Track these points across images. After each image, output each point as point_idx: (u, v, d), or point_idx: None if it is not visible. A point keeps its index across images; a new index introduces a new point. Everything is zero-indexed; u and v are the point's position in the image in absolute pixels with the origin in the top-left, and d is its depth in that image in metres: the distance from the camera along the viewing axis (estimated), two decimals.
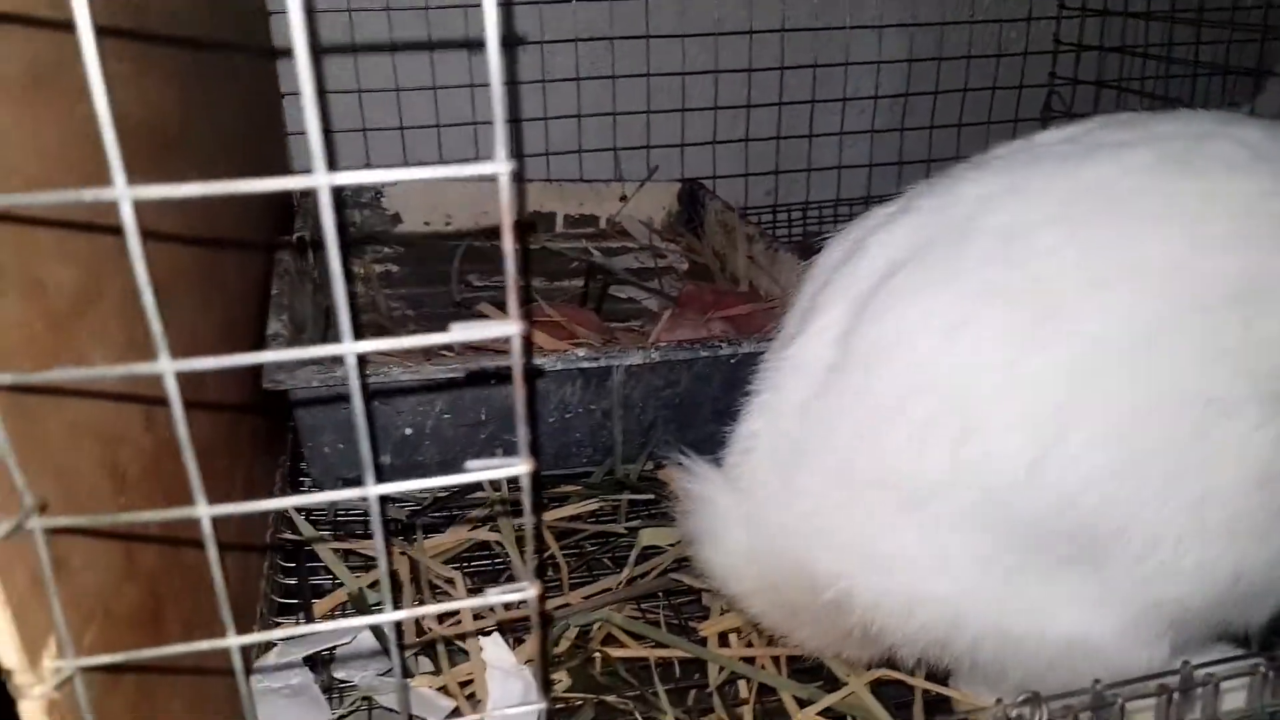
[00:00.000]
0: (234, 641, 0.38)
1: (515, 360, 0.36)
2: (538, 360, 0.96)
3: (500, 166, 0.32)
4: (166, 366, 0.35)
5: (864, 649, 0.73)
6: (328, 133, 1.57)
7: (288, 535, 0.88)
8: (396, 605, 0.81)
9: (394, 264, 1.50)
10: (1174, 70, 1.74)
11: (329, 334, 1.28)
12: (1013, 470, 0.60)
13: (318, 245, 1.32)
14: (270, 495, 0.96)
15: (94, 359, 0.47)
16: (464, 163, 0.35)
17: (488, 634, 0.75)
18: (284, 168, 1.53)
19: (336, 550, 0.89)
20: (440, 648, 0.75)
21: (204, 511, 0.37)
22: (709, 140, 1.76)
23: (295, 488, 1.00)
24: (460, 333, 0.34)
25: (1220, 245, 0.60)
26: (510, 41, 1.57)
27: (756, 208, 1.84)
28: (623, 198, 1.68)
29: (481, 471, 0.37)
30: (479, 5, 1.49)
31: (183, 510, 0.36)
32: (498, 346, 1.13)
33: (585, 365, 0.98)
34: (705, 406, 1.05)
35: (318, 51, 1.53)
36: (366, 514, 0.95)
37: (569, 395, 1.00)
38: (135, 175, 0.59)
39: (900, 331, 0.63)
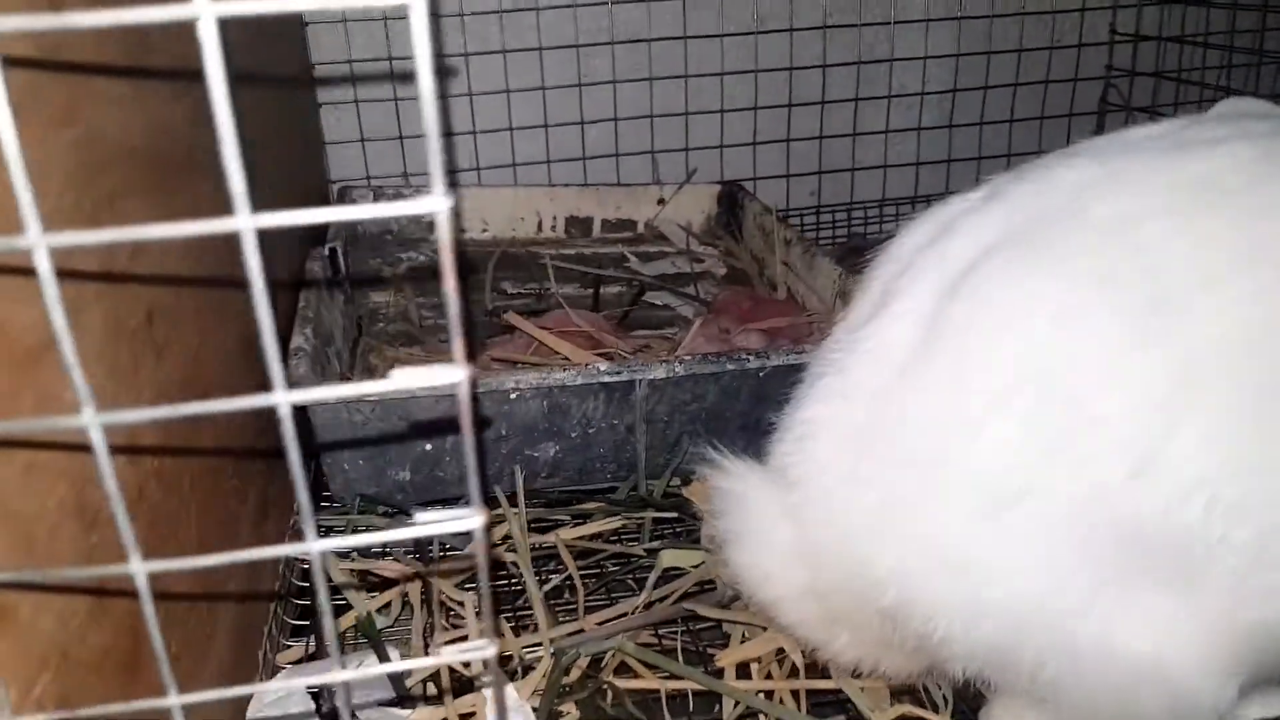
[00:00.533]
0: (173, 701, 0.36)
1: (462, 405, 0.34)
2: (559, 375, 0.94)
3: (438, 204, 0.29)
4: (90, 419, 0.33)
5: (909, 660, 0.69)
6: (365, 141, 1.57)
7: (299, 557, 0.87)
8: (405, 629, 0.80)
9: (429, 271, 1.49)
10: (1236, 60, 1.66)
11: (360, 344, 1.28)
12: (1116, 470, 0.55)
13: (348, 256, 1.31)
14: (290, 510, 0.95)
15: (65, 398, 0.46)
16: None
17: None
18: (321, 178, 1.53)
19: (354, 571, 0.88)
20: (445, 677, 0.73)
21: (139, 568, 0.35)
22: (749, 141, 1.72)
23: (319, 503, 0.99)
24: (401, 380, 0.32)
25: None
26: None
27: (799, 209, 1.80)
28: (661, 201, 1.65)
29: (430, 525, 0.34)
30: (513, 12, 1.49)
31: (116, 567, 0.35)
32: (515, 360, 1.11)
33: (607, 379, 0.95)
34: (733, 421, 1.01)
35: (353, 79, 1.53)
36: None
37: (591, 410, 0.97)
38: (133, 197, 0.58)
39: (1001, 315, 0.58)
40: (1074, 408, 0.56)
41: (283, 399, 0.31)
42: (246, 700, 0.70)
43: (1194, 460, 0.54)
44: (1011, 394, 0.58)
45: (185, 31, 0.67)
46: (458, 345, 0.31)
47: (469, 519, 0.35)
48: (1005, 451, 0.58)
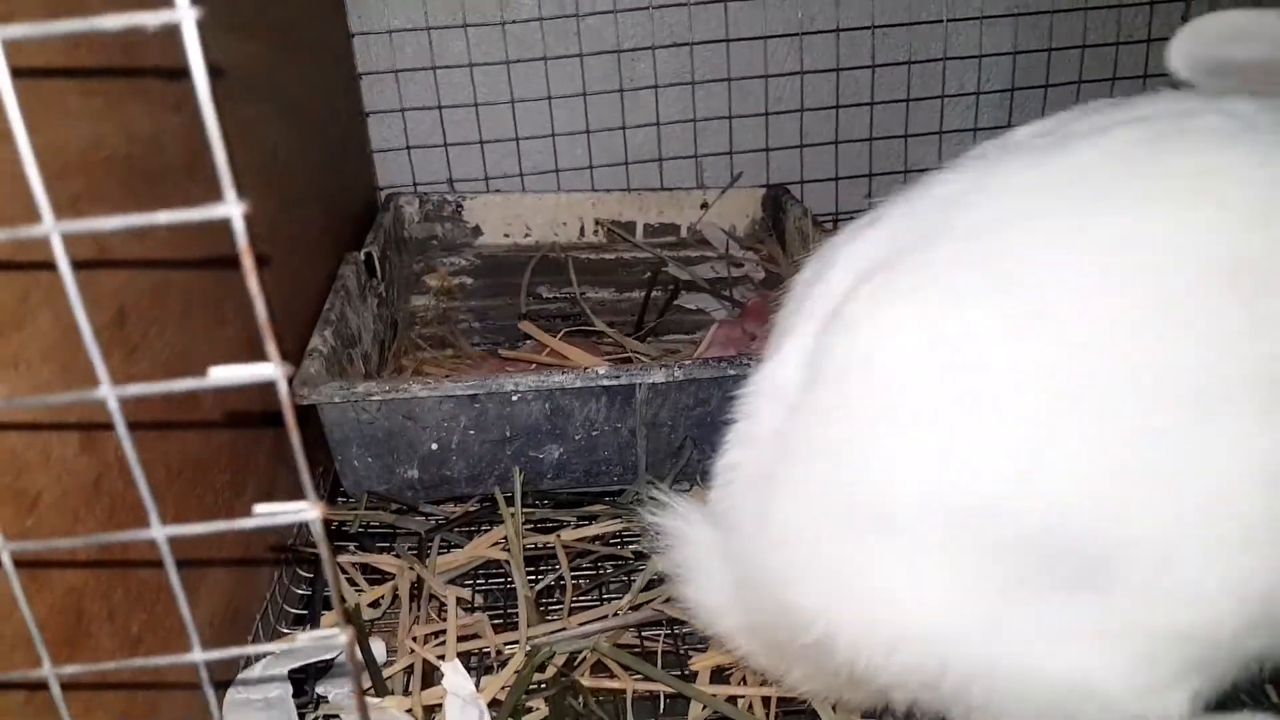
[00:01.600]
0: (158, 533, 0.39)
1: (283, 401, 0.36)
2: (559, 377, 0.96)
3: (232, 209, 0.31)
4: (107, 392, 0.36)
5: (855, 691, 0.69)
6: (410, 149, 1.62)
7: (302, 547, 0.91)
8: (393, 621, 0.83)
9: (469, 276, 1.53)
10: None
11: (393, 347, 1.32)
12: (997, 483, 0.55)
13: (385, 260, 1.36)
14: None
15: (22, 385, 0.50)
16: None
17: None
18: (368, 186, 1.59)
19: (355, 564, 0.91)
20: (417, 669, 0.75)
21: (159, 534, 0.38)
22: (796, 144, 1.71)
23: (333, 499, 1.03)
24: (220, 376, 0.34)
25: (1210, 223, 0.54)
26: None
27: (851, 212, 1.78)
28: (704, 205, 1.66)
29: (268, 517, 0.36)
30: (555, 19, 1.51)
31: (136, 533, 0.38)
32: (522, 361, 1.13)
33: (607, 383, 0.97)
34: None
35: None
36: (393, 527, 0.98)
37: (593, 413, 0.99)
38: (104, 202, 0.62)
39: (869, 344, 0.59)
40: (952, 421, 0.56)
41: (107, 393, 0.34)
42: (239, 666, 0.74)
43: (1077, 465, 0.53)
44: (882, 419, 0.58)
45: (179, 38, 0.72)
46: (270, 344, 0.33)
47: (306, 512, 0.37)
48: (889, 472, 0.58)
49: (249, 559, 0.81)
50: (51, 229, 0.31)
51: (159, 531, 0.36)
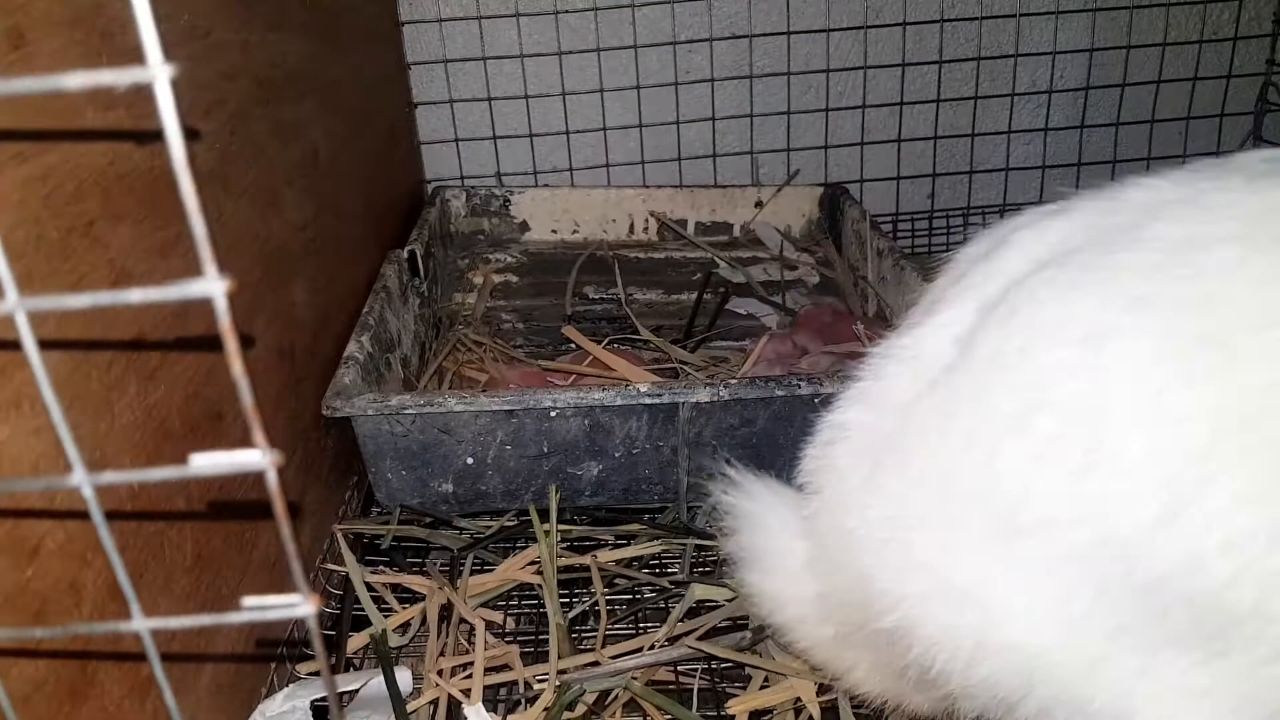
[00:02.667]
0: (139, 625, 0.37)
1: (271, 492, 0.33)
2: (599, 394, 0.93)
3: (213, 286, 0.28)
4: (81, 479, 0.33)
5: (921, 694, 0.65)
6: (459, 141, 1.59)
7: (331, 566, 0.89)
8: (422, 644, 0.80)
9: (514, 274, 1.50)
10: None
11: (434, 348, 1.30)
12: (1139, 515, 0.50)
13: (429, 257, 1.34)
14: (335, 515, 0.98)
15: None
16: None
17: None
18: (415, 178, 1.57)
19: (385, 584, 0.89)
20: (442, 705, 0.73)
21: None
22: (857, 141, 1.65)
23: (366, 511, 1.02)
24: (203, 463, 0.31)
25: None
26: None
27: (912, 213, 1.73)
28: (758, 203, 1.61)
29: (257, 611, 0.33)
30: (610, 9, 1.47)
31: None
32: (564, 372, 1.10)
33: (649, 401, 0.93)
34: (786, 448, 0.98)
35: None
36: (426, 541, 0.95)
37: (634, 430, 0.96)
38: (121, 222, 0.60)
39: (1030, 335, 0.55)
40: (1099, 440, 0.51)
41: (81, 480, 0.31)
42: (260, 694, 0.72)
43: (1228, 518, 0.49)
44: (1033, 417, 0.53)
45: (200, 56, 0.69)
46: (258, 433, 0.30)
47: (299, 607, 0.34)
48: (1021, 478, 0.54)
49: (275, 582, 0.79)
50: (15, 306, 0.29)
51: (141, 624, 0.33)
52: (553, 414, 0.94)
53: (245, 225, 0.80)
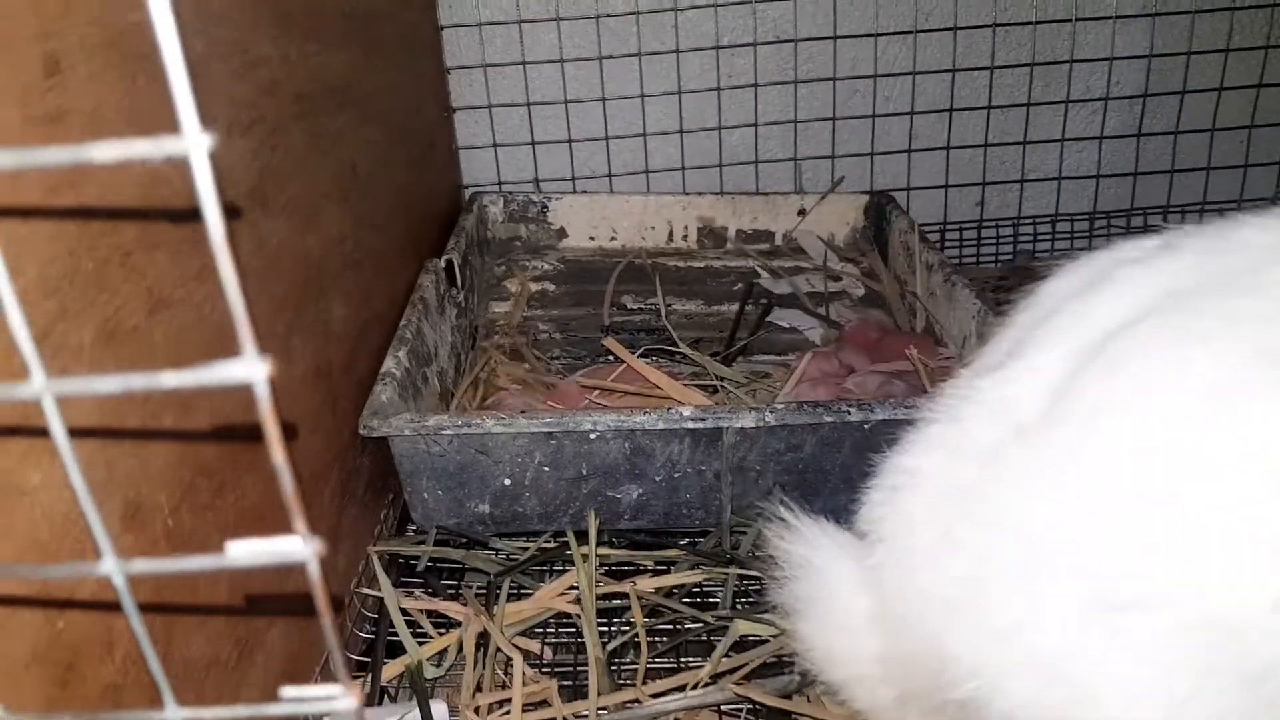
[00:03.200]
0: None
1: (313, 582, 0.31)
2: (640, 417, 0.90)
3: (253, 371, 0.26)
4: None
5: None
6: (497, 146, 1.58)
7: (366, 590, 0.88)
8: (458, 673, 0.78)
9: (551, 282, 1.48)
10: None
11: (471, 357, 1.28)
12: (1256, 597, 0.47)
13: (466, 266, 1.32)
14: (371, 535, 0.96)
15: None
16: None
17: None
18: (453, 184, 1.55)
19: (421, 610, 0.88)
20: None
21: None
22: (904, 149, 1.62)
23: (401, 530, 1.00)
24: (240, 553, 0.29)
25: None
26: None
27: (960, 222, 1.69)
28: (801, 211, 1.58)
29: (295, 703, 0.31)
30: (652, 13, 1.45)
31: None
32: (602, 389, 1.08)
33: (692, 425, 0.91)
34: (834, 474, 0.95)
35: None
36: (463, 564, 0.94)
37: (676, 454, 0.93)
38: (158, 250, 0.58)
39: (1140, 386, 0.50)
40: (1217, 511, 0.48)
41: (113, 568, 0.29)
42: None
43: None
44: (1144, 481, 0.50)
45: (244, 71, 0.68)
46: (299, 522, 0.28)
47: (340, 700, 0.31)
48: (1127, 547, 0.50)
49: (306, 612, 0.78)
50: (43, 390, 0.27)
51: (174, 714, 0.31)
52: (592, 436, 0.92)
53: (284, 243, 0.79)
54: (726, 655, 0.82)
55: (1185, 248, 0.56)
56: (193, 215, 0.61)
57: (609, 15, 1.53)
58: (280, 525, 0.71)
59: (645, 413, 0.91)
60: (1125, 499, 0.50)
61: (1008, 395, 0.57)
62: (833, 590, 0.65)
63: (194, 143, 0.24)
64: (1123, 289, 0.56)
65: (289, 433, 0.71)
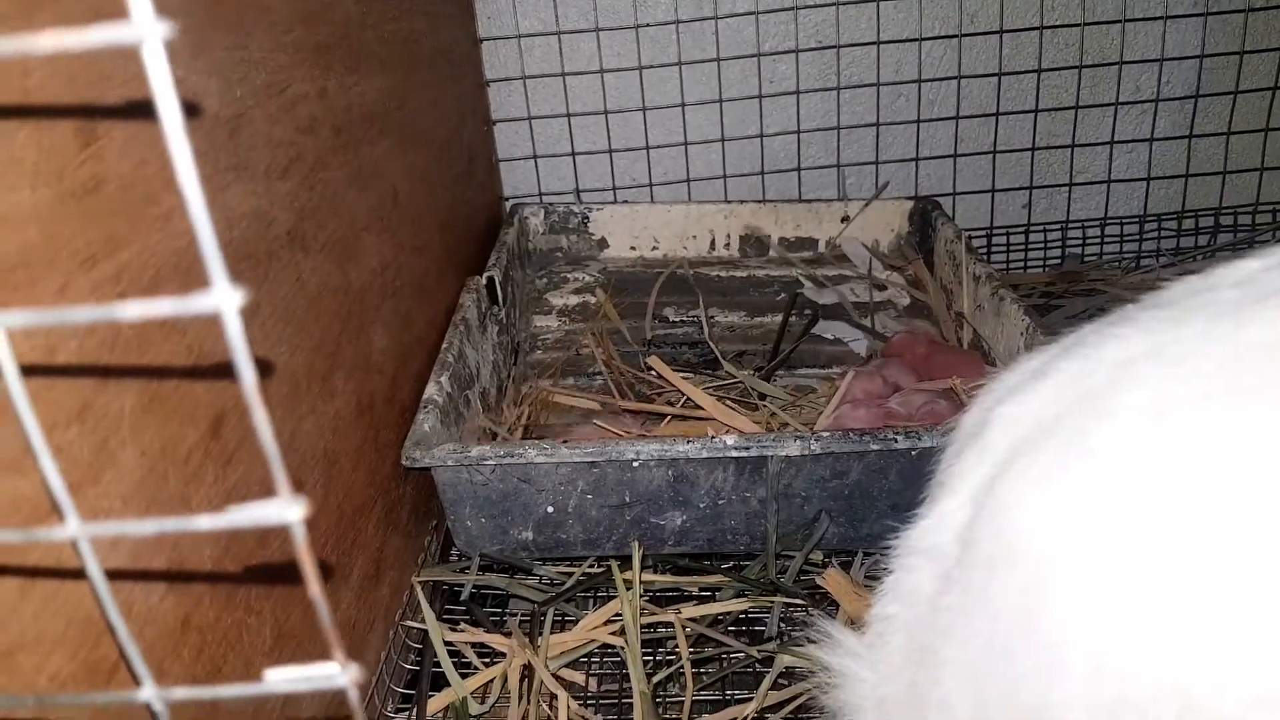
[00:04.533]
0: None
1: (353, 706, 0.29)
2: (683, 446, 0.89)
3: (289, 512, 0.25)
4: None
5: None
6: (537, 157, 1.56)
7: (411, 623, 0.87)
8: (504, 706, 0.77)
9: (593, 294, 1.47)
10: None
11: (513, 373, 1.27)
12: (1162, 717, 0.46)
13: (508, 281, 1.31)
14: (414, 564, 0.96)
15: None
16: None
17: None
18: (494, 196, 1.54)
19: (466, 642, 0.87)
20: None
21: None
22: (949, 153, 1.58)
23: (445, 558, 0.99)
24: (279, 679, 0.27)
25: None
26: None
27: (1007, 226, 1.64)
28: (845, 218, 1.55)
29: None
30: (692, 21, 1.42)
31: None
32: (646, 413, 1.06)
33: (736, 454, 0.89)
34: (881, 500, 0.93)
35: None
36: (507, 593, 0.93)
37: (720, 481, 0.91)
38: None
39: (1015, 536, 0.50)
40: (1095, 644, 0.47)
41: (151, 695, 0.28)
42: None
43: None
44: (1032, 621, 0.49)
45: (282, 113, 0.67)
46: (337, 651, 0.27)
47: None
48: (1033, 685, 0.49)
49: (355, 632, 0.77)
50: (78, 532, 0.25)
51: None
52: (635, 465, 0.90)
53: (324, 281, 0.78)
54: (773, 688, 0.80)
55: (1051, 371, 0.54)
56: (238, 255, 0.61)
57: (649, 25, 1.50)
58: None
59: (689, 441, 0.89)
60: (1025, 639, 0.49)
61: (935, 544, 0.57)
62: (859, 703, 0.64)
63: (225, 303, 0.22)
64: (1001, 427, 0.55)
65: (295, 486, 0.70)
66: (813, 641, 0.68)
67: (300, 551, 0.26)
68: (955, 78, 1.53)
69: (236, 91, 0.64)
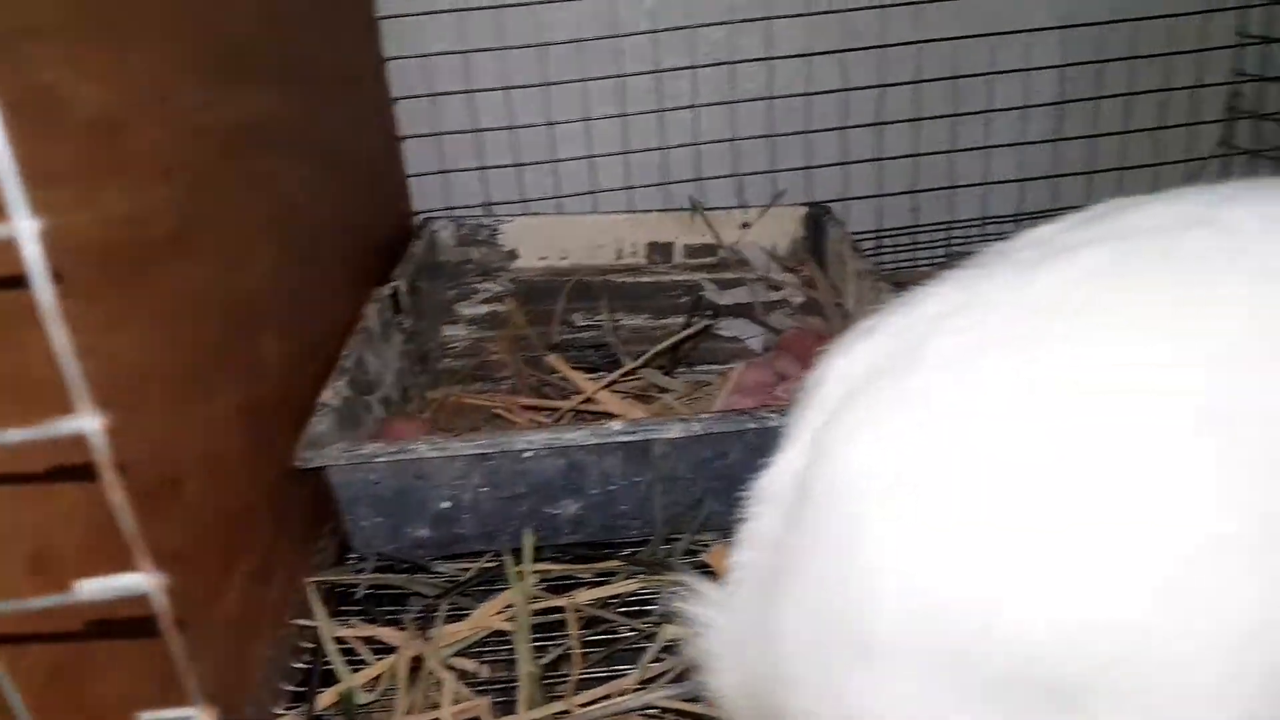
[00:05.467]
0: None
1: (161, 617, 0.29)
2: (573, 434, 0.90)
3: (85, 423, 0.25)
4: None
5: None
6: (448, 172, 1.56)
7: (304, 621, 0.86)
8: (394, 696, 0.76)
9: (502, 303, 1.47)
10: None
11: (418, 381, 1.27)
12: (965, 623, 0.49)
13: (416, 291, 1.31)
14: (308, 566, 0.95)
15: None
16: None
17: None
18: (402, 212, 1.54)
19: (359, 638, 0.86)
20: None
21: None
22: (839, 161, 1.61)
23: (341, 559, 0.98)
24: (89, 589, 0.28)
25: (1177, 364, 0.47)
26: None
27: (895, 229, 1.68)
28: (744, 225, 1.57)
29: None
30: (596, 39, 1.44)
31: None
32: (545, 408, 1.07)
33: (623, 439, 0.90)
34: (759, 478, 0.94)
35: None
36: (402, 589, 0.92)
37: (610, 467, 0.92)
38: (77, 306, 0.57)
39: (837, 476, 0.53)
40: (915, 564, 0.50)
41: None
42: None
43: (1039, 613, 0.48)
44: (854, 551, 0.53)
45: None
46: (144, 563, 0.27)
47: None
48: (859, 607, 0.52)
49: (243, 631, 0.76)
50: None
51: None
52: (526, 455, 0.91)
53: (208, 285, 0.77)
54: (656, 660, 0.81)
55: (880, 329, 0.57)
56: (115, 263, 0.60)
57: (553, 43, 1.51)
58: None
59: (578, 429, 0.90)
60: (849, 563, 0.52)
61: (776, 490, 0.59)
62: (726, 648, 0.66)
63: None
64: (834, 379, 0.58)
65: (174, 486, 0.69)
66: (683, 602, 0.70)
67: (101, 463, 0.26)
68: (841, 90, 1.57)
69: (115, 97, 0.64)
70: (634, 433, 0.90)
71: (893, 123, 1.59)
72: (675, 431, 0.90)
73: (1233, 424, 0.46)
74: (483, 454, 0.90)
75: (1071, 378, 0.48)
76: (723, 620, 0.65)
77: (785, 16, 1.52)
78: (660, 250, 1.57)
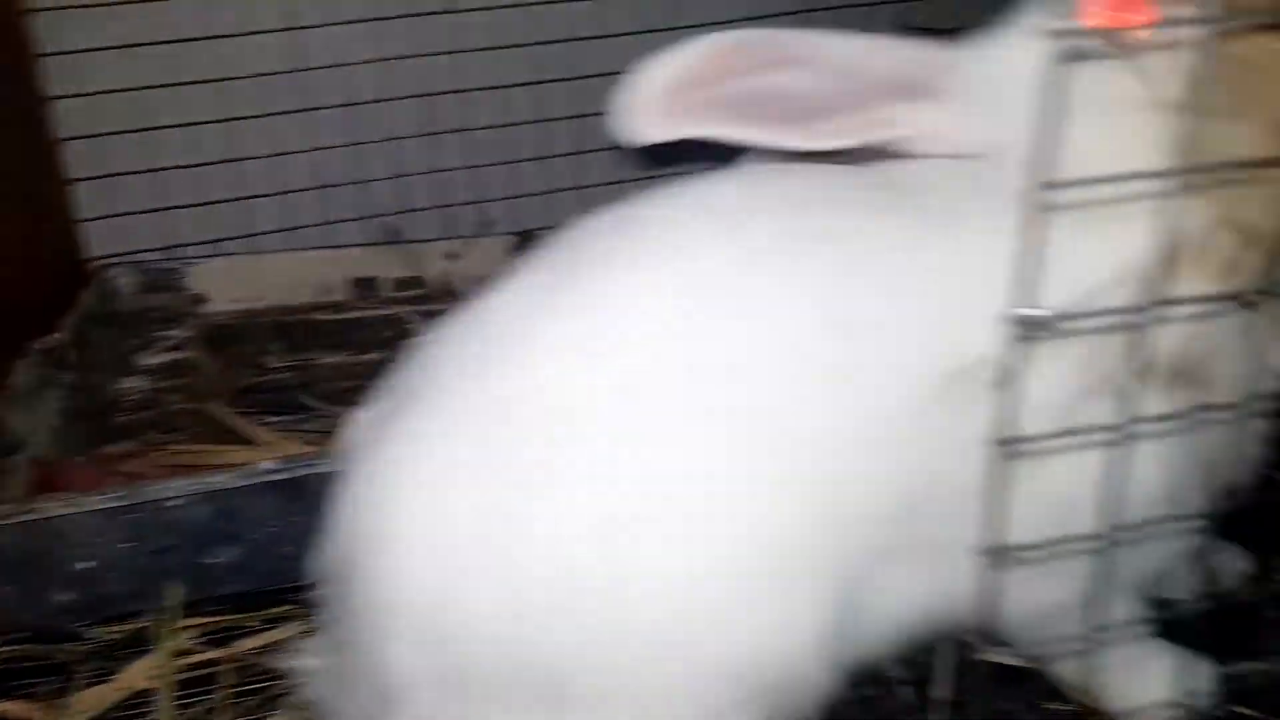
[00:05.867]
0: None
1: None
2: (219, 477, 0.85)
3: None
4: None
5: None
6: (126, 214, 1.46)
7: None
8: None
9: (188, 349, 1.38)
10: None
11: (87, 438, 1.17)
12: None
13: (86, 343, 1.21)
14: None
15: None
16: None
17: None
18: (71, 259, 1.42)
19: None
20: None
21: None
22: (542, 190, 1.64)
23: None
24: None
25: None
26: None
27: None
28: (449, 255, 1.56)
29: None
30: (283, 73, 1.39)
31: None
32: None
33: (276, 478, 0.87)
34: None
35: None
36: (43, 659, 0.84)
37: (265, 509, 0.88)
38: None
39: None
40: None
41: None
42: None
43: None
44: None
45: None
46: None
47: None
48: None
49: None
50: None
51: None
52: (172, 504, 0.85)
53: None
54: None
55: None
56: None
57: (233, 78, 1.45)
58: None
59: (226, 472, 0.86)
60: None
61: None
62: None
63: None
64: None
65: None
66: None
67: None
68: (540, 121, 1.60)
69: None
70: (285, 471, 0.86)
71: (591, 151, 1.63)
72: (330, 466, 0.87)
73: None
74: (122, 506, 0.84)
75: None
76: (317, 664, 0.65)
77: (476, 50, 1.53)
78: (364, 286, 1.53)
